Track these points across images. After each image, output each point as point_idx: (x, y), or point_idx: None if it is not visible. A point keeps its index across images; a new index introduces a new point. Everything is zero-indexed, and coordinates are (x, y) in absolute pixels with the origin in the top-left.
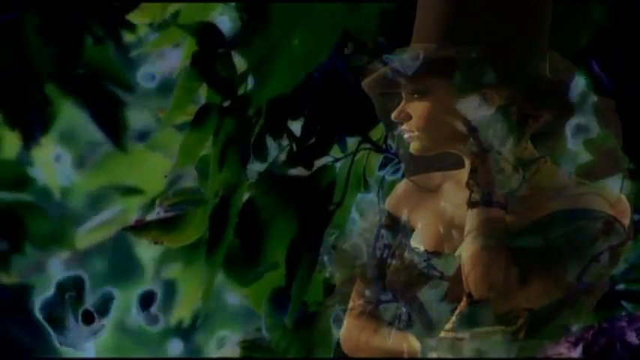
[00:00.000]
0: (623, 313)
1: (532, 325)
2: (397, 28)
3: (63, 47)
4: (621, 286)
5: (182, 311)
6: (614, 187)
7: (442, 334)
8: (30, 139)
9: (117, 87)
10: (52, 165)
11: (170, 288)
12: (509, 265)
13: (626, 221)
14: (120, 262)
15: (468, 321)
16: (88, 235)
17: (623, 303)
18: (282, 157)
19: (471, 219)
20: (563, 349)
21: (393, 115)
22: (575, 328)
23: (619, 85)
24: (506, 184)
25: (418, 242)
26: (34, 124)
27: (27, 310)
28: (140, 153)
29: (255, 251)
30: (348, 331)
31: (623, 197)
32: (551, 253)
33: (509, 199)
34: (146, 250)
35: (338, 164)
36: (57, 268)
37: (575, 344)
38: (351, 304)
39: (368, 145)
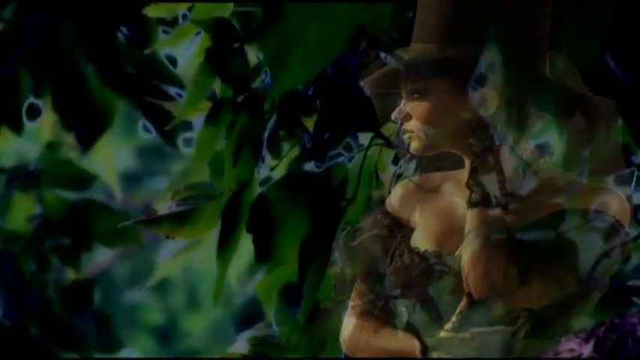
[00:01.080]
0: (634, 310)
1: (536, 326)
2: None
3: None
4: (633, 282)
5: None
6: (614, 186)
7: (442, 334)
8: (86, 141)
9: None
10: (111, 164)
11: None
12: (509, 265)
13: (627, 221)
14: None
15: (468, 321)
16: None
17: (635, 299)
18: (295, 152)
19: (471, 219)
20: (574, 345)
21: (393, 115)
22: (578, 328)
23: (635, 81)
24: (506, 184)
25: (418, 242)
26: (89, 127)
27: (91, 304)
28: None
29: (267, 246)
30: (348, 331)
31: (624, 197)
32: (550, 254)
33: (509, 199)
34: None
35: (350, 160)
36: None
37: (586, 340)
38: (351, 304)
39: (380, 141)
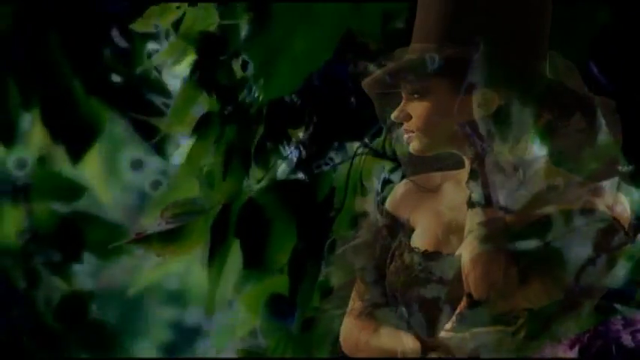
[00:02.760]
0: (618, 316)
1: (532, 329)
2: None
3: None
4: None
5: None
6: (614, 188)
7: (442, 334)
8: (75, 153)
9: (154, 94)
10: (101, 176)
11: None
12: (509, 265)
13: (626, 223)
14: None
15: (468, 321)
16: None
17: (618, 306)
18: (282, 163)
19: (471, 219)
20: (559, 351)
21: (393, 115)
22: (575, 331)
23: (618, 87)
24: (506, 184)
25: (418, 242)
26: (78, 139)
27: (86, 315)
28: None
29: (256, 251)
30: (348, 331)
31: (624, 199)
32: (550, 254)
33: (509, 199)
34: None
35: (336, 169)
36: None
37: (571, 346)
38: (351, 305)
39: (365, 150)
